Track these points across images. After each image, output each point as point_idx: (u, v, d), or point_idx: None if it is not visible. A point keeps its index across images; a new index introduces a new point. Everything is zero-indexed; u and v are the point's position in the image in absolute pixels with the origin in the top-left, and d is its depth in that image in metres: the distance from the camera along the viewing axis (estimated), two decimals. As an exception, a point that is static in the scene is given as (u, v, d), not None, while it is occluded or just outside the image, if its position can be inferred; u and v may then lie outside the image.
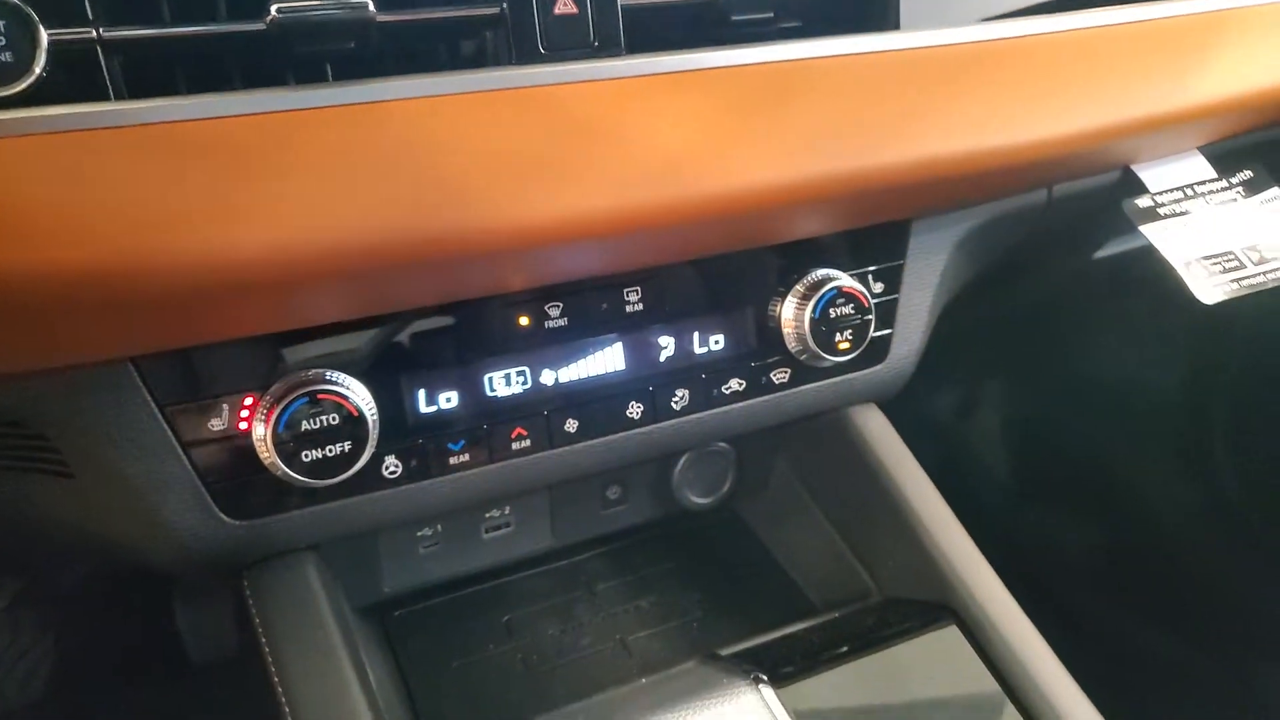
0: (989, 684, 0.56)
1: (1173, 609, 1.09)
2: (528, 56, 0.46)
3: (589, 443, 0.56)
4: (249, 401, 0.48)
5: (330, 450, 0.48)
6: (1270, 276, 0.67)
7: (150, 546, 0.50)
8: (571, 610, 0.65)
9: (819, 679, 0.54)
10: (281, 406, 0.46)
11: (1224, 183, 0.72)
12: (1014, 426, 1.21)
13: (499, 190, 0.43)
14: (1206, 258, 0.67)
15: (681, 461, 0.67)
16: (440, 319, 0.51)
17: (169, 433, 0.47)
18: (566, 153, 0.44)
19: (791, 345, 0.59)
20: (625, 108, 0.45)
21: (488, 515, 0.64)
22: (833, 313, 0.59)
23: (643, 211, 0.46)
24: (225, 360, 0.48)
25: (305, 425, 0.47)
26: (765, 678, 0.53)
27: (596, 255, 0.51)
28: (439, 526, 0.62)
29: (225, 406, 0.48)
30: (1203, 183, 0.71)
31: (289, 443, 0.47)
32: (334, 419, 0.48)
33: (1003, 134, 0.53)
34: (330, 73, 0.46)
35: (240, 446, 0.48)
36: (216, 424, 0.48)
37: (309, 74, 0.46)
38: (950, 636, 0.58)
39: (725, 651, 0.57)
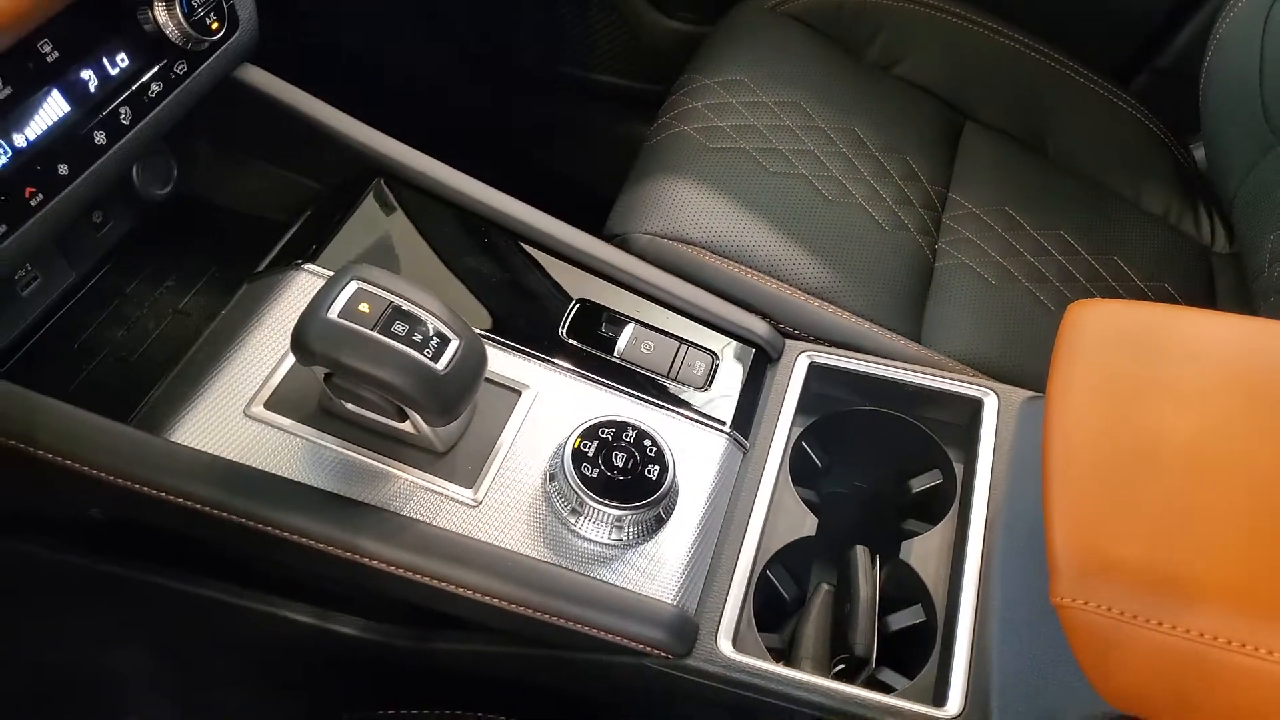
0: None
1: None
2: None
3: (84, 176, 0.70)
4: None
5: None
6: None
7: None
8: (123, 313, 0.81)
9: (335, 245, 0.80)
10: None
11: None
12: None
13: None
14: None
15: (135, 167, 0.82)
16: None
17: None
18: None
19: (179, 40, 0.75)
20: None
21: (16, 277, 0.75)
22: (194, 2, 0.76)
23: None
24: None
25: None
26: (302, 261, 0.78)
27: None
28: (-13, 305, 0.73)
29: None
30: None
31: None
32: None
33: None
34: None
35: None
36: None
37: None
38: (389, 186, 0.86)
39: (261, 267, 0.80)
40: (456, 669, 0.76)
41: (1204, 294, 1.12)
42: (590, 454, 0.69)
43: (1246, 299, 1.07)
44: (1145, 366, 0.64)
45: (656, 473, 0.69)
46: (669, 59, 1.40)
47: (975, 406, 0.81)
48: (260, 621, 0.77)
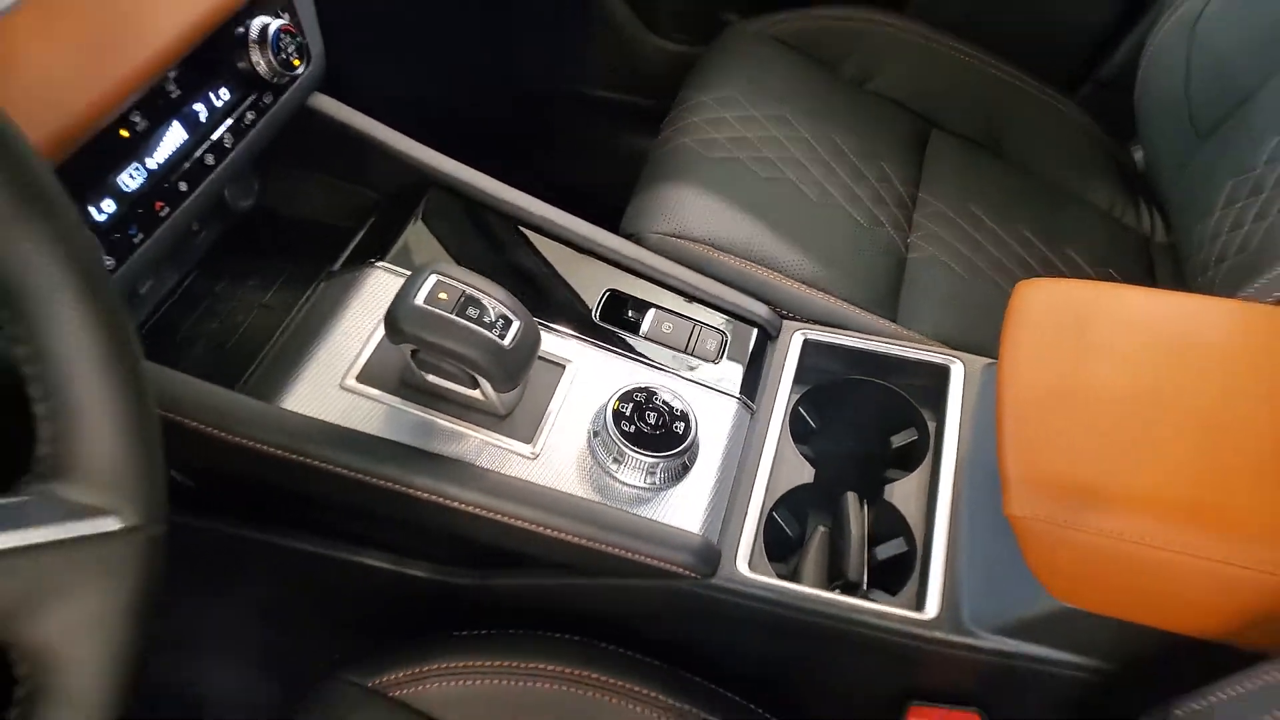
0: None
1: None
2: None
3: (198, 191, 0.83)
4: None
5: (86, 263, 0.71)
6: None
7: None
8: (216, 309, 0.94)
9: (400, 246, 0.94)
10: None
11: None
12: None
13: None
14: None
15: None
16: (76, 157, 0.73)
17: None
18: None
19: (268, 76, 0.89)
20: None
21: (136, 280, 0.89)
22: (281, 43, 0.89)
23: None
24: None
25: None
26: (375, 260, 0.92)
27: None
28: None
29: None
30: None
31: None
32: (78, 243, 0.70)
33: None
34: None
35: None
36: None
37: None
38: (441, 194, 1.00)
39: (336, 266, 0.94)
40: (514, 603, 0.90)
41: (1145, 280, 1.28)
42: (627, 414, 0.83)
43: (1183, 283, 1.23)
44: (1083, 331, 0.79)
45: (682, 428, 0.83)
46: (664, 76, 1.55)
47: (944, 373, 0.96)
48: (342, 569, 0.91)
